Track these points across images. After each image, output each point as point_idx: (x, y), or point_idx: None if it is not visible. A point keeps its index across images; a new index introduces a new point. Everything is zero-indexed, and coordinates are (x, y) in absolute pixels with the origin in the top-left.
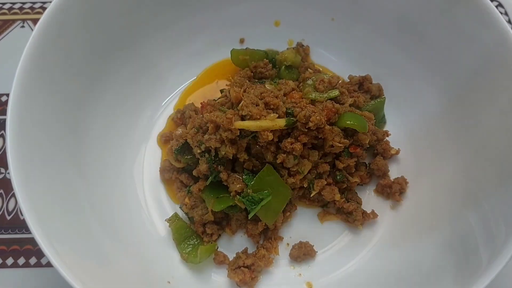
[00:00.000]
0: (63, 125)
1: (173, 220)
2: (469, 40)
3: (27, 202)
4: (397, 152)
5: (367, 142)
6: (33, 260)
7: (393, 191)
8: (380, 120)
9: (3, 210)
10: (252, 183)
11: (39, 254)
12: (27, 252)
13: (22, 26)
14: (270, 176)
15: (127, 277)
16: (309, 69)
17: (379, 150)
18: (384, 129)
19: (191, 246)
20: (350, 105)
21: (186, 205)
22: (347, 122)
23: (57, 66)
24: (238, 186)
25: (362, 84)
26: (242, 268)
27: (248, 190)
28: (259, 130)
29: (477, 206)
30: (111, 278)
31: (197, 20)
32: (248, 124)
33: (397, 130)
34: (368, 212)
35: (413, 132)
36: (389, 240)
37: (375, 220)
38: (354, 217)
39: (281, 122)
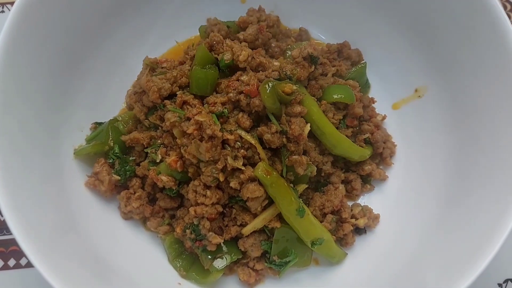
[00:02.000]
0: (45, 117)
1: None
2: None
3: (7, 202)
4: (384, 118)
5: (361, 113)
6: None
7: (384, 157)
8: (364, 85)
9: None
10: (272, 251)
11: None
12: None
13: (2, 11)
14: (286, 236)
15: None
16: (292, 37)
17: (365, 117)
18: (369, 93)
19: (186, 261)
20: (333, 75)
21: (177, 233)
22: (334, 96)
23: (37, 48)
24: (257, 252)
25: (341, 51)
26: (249, 269)
27: (274, 257)
28: (265, 223)
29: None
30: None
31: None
32: (254, 225)
33: (379, 95)
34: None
35: (395, 95)
36: (388, 202)
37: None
38: (353, 186)
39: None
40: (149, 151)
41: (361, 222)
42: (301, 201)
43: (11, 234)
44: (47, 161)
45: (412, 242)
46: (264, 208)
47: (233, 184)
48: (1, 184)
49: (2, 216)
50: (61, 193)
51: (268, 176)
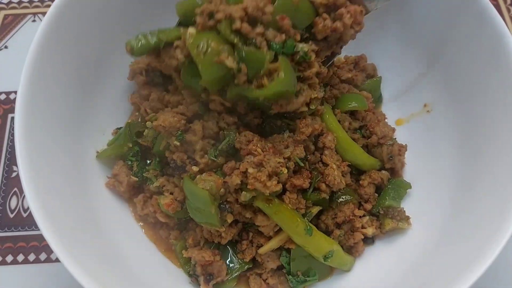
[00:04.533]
0: (70, 120)
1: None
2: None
3: (35, 200)
4: (393, 131)
5: (378, 123)
6: (32, 257)
7: (396, 170)
8: (377, 100)
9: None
10: (292, 269)
11: (37, 250)
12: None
13: (34, 21)
14: (302, 254)
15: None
16: None
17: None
18: (381, 108)
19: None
20: (348, 83)
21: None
22: (349, 105)
23: (65, 59)
24: (274, 264)
25: (357, 63)
26: (262, 280)
27: (298, 272)
28: (282, 243)
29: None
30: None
31: None
32: (270, 246)
33: (390, 109)
34: None
35: (405, 110)
36: None
37: None
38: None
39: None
40: (145, 175)
41: (369, 231)
42: (307, 220)
43: (31, 230)
44: (70, 161)
45: (417, 249)
46: (279, 230)
47: (248, 214)
48: (29, 181)
49: (24, 212)
50: (83, 192)
51: (270, 205)
